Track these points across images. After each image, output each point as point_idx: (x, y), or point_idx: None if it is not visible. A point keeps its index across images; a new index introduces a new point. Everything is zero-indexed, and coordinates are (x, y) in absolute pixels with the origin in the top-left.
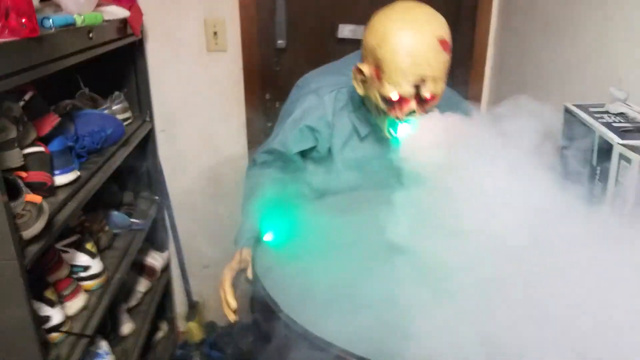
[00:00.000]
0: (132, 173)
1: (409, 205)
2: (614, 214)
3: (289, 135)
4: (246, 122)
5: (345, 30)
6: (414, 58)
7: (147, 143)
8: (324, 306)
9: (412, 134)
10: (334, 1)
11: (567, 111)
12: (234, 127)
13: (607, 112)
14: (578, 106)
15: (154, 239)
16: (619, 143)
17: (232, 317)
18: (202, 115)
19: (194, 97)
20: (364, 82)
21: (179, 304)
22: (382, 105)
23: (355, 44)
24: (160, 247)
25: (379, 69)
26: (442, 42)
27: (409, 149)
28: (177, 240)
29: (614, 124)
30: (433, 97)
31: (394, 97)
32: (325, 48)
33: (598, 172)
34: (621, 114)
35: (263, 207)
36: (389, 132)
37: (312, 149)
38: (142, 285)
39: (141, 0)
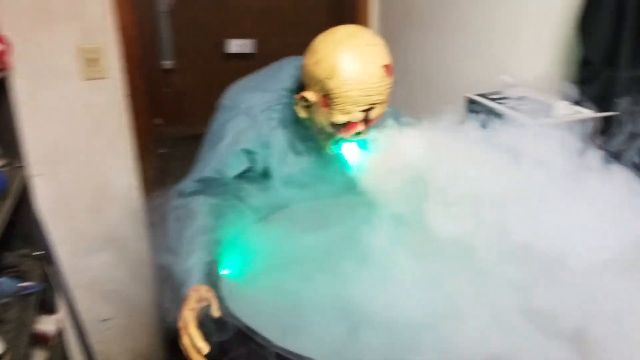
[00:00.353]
0: (10, 230)
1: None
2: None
3: (224, 160)
4: (135, 152)
5: (234, 46)
6: (365, 90)
7: (24, 191)
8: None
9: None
10: (219, 17)
11: (471, 101)
12: (121, 159)
13: (506, 98)
14: (479, 95)
15: (39, 301)
16: (537, 123)
17: None
18: (84, 151)
19: (73, 132)
20: (307, 108)
21: None
22: (329, 129)
23: (243, 58)
24: (50, 309)
25: (327, 98)
26: (387, 68)
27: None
28: (68, 297)
29: (521, 107)
30: (377, 117)
31: (342, 122)
32: (215, 65)
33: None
34: (522, 98)
35: (207, 238)
36: (331, 149)
37: (247, 169)
38: (38, 357)
39: (7, 32)
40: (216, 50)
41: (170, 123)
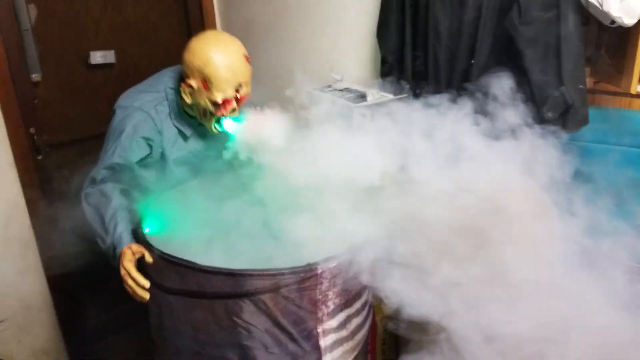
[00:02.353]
0: None
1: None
2: None
3: (127, 148)
4: (14, 160)
5: (97, 57)
6: (233, 71)
7: None
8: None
9: (244, 128)
10: (79, 31)
11: (310, 94)
12: (1, 167)
13: (335, 89)
14: (317, 89)
15: None
16: (355, 106)
17: (147, 296)
18: None
19: None
20: (192, 93)
21: None
22: (210, 107)
23: (105, 68)
24: None
25: (206, 82)
26: (246, 57)
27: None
28: None
29: (346, 96)
30: (245, 96)
31: (220, 100)
32: (79, 75)
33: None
34: (346, 89)
35: (124, 213)
36: (215, 128)
37: (146, 156)
38: None
39: None
40: (79, 61)
41: (43, 132)
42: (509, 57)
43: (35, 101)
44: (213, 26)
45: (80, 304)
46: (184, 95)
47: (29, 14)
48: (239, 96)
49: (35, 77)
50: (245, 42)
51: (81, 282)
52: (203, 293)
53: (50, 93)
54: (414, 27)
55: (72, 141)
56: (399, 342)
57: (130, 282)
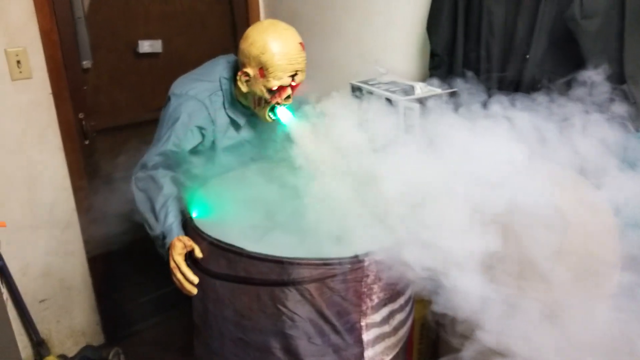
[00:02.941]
0: None
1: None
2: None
3: (181, 136)
4: (62, 144)
5: (145, 46)
6: (289, 59)
7: None
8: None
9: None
10: (129, 20)
11: (354, 87)
12: (50, 152)
13: (380, 83)
14: (360, 82)
15: None
16: (403, 99)
17: (194, 291)
18: (16, 146)
19: (5, 129)
20: (248, 81)
21: (21, 347)
22: (266, 95)
23: (152, 57)
24: None
25: (262, 69)
26: (302, 45)
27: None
28: (9, 279)
29: (391, 89)
30: (299, 84)
31: (275, 87)
32: (127, 63)
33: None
34: (391, 82)
35: (175, 202)
36: (269, 116)
37: (198, 144)
38: None
39: None
40: (128, 50)
41: (91, 117)
42: (566, 52)
43: (85, 87)
44: (257, 19)
45: (118, 288)
46: (239, 84)
47: (82, 3)
48: (294, 83)
49: (86, 64)
50: None
51: (121, 266)
52: (249, 279)
53: (100, 80)
54: (467, 20)
55: (117, 127)
56: (436, 343)
57: (179, 276)
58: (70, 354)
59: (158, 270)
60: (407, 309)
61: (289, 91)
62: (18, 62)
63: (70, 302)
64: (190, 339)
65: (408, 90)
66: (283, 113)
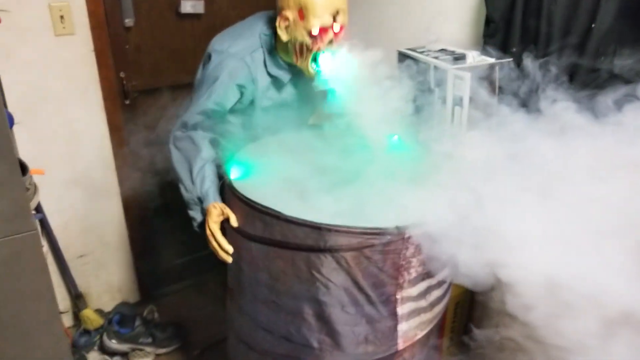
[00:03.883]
0: None
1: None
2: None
3: (222, 94)
4: (103, 102)
5: (187, 6)
6: None
7: None
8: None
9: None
10: None
11: (401, 54)
12: (91, 109)
13: (430, 50)
14: (408, 49)
15: None
16: (452, 68)
17: (229, 260)
18: (57, 102)
19: (47, 84)
20: (288, 27)
21: (60, 299)
22: (307, 40)
23: (194, 18)
24: None
25: (302, 10)
26: None
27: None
28: (50, 234)
29: (440, 57)
30: (342, 27)
31: (316, 30)
32: (169, 23)
33: (436, 91)
34: (441, 50)
35: (213, 166)
36: (311, 67)
37: (236, 102)
38: None
39: None
40: (170, 9)
41: (133, 76)
42: (636, 21)
43: (127, 46)
44: None
45: (155, 248)
46: (279, 32)
47: None
48: (335, 26)
49: (128, 22)
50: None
51: (158, 226)
52: (285, 243)
53: (141, 39)
54: None
55: (158, 89)
56: (468, 324)
57: (214, 244)
58: (107, 309)
59: (195, 233)
60: (445, 286)
61: (330, 34)
62: (61, 17)
63: (109, 258)
64: (223, 302)
65: (459, 59)
66: (326, 61)
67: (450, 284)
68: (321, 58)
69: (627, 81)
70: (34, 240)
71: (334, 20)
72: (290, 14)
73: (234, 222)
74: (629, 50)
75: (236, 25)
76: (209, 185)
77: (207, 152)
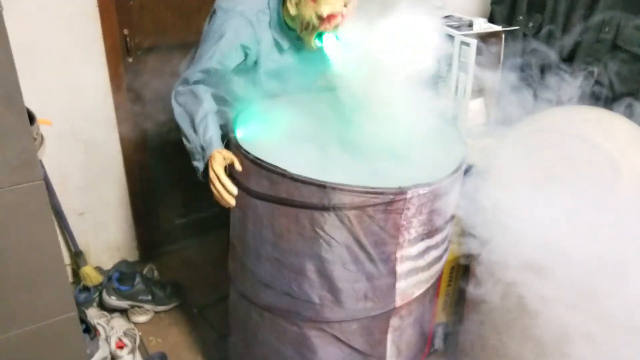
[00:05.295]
0: None
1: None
2: None
3: (225, 54)
4: (106, 60)
5: None
6: None
7: None
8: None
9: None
10: None
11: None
12: (93, 65)
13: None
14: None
15: None
16: (459, 34)
17: (233, 202)
18: (58, 56)
19: (49, 38)
20: (298, 4)
21: None
22: (315, 21)
23: None
24: None
25: None
26: None
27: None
28: (50, 190)
29: (447, 24)
30: (349, 13)
31: (326, 14)
32: None
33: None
34: (448, 17)
35: (215, 117)
36: (314, 43)
37: (240, 62)
38: None
39: None
40: None
41: (137, 34)
42: None
43: (131, 2)
44: None
45: (156, 208)
46: (288, 5)
47: None
48: (344, 12)
49: None
50: None
51: (159, 186)
52: (290, 201)
53: None
54: None
55: (162, 47)
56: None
57: (218, 185)
58: (106, 267)
59: (195, 194)
60: (443, 247)
61: (339, 19)
62: None
63: (108, 217)
64: (223, 260)
65: (466, 25)
66: (329, 41)
67: (448, 245)
68: (325, 37)
69: (630, 53)
70: (39, 190)
71: (344, 6)
72: None
73: (238, 166)
74: (633, 21)
75: None
76: (211, 134)
77: (209, 103)
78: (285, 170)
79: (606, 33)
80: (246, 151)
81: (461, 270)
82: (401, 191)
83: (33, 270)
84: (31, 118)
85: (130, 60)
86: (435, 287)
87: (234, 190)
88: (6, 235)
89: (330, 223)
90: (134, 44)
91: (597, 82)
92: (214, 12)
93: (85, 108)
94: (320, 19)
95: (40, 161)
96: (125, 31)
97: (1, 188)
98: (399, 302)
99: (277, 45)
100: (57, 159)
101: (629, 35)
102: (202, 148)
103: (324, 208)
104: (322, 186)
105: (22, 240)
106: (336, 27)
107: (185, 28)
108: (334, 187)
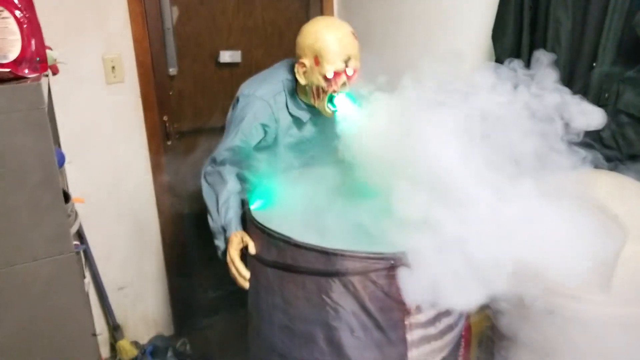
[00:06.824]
0: None
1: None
2: None
3: (247, 133)
4: (148, 143)
5: (226, 56)
6: (341, 43)
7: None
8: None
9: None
10: (213, 32)
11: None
12: (136, 149)
13: None
14: None
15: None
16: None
17: (246, 285)
18: (106, 142)
19: (98, 127)
20: (305, 72)
21: (98, 330)
22: (322, 83)
23: (232, 67)
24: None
25: (317, 57)
26: (354, 34)
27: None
28: (92, 264)
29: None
30: (355, 71)
31: (330, 74)
32: (209, 72)
33: None
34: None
35: (237, 198)
36: (328, 107)
37: (261, 140)
38: None
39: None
40: (210, 59)
41: (175, 120)
42: (636, 60)
43: (170, 92)
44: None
45: (191, 282)
46: (298, 77)
47: (171, 15)
48: (348, 70)
49: (172, 71)
50: (363, 45)
51: (194, 261)
52: (296, 267)
53: (184, 86)
54: (533, 29)
55: (198, 130)
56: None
57: (233, 270)
58: (142, 341)
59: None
60: (455, 314)
61: (344, 78)
62: (113, 67)
63: (146, 291)
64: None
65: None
66: (341, 102)
67: (462, 314)
68: (337, 99)
69: (632, 116)
70: (72, 261)
71: (346, 65)
72: (307, 61)
73: (252, 249)
74: (631, 87)
75: (262, 72)
76: (232, 215)
77: (233, 184)
78: (289, 237)
79: (605, 100)
80: (257, 221)
81: (490, 342)
82: (401, 255)
83: (64, 339)
84: (66, 197)
85: (169, 143)
86: (456, 355)
87: (247, 274)
88: (40, 305)
89: (335, 289)
90: (173, 129)
91: (606, 146)
92: (237, 99)
93: (128, 186)
94: (326, 79)
95: (84, 237)
96: (165, 118)
97: (38, 259)
98: None
99: (296, 120)
100: (102, 235)
101: (630, 99)
102: (223, 229)
103: (329, 274)
104: (324, 252)
105: (54, 309)
106: (344, 85)
107: (220, 113)
108: (335, 253)
